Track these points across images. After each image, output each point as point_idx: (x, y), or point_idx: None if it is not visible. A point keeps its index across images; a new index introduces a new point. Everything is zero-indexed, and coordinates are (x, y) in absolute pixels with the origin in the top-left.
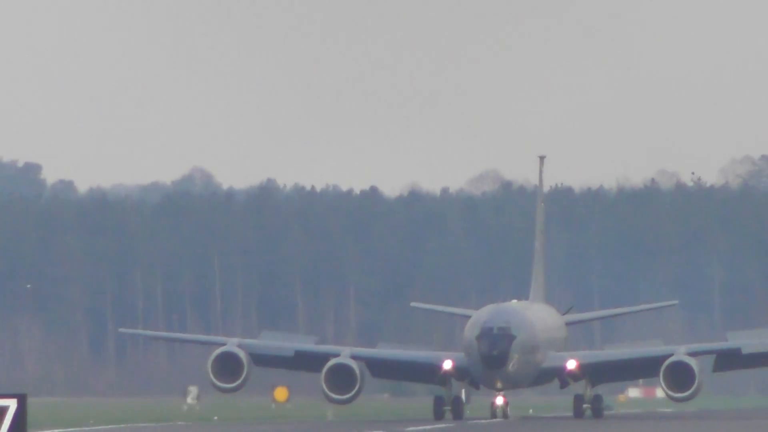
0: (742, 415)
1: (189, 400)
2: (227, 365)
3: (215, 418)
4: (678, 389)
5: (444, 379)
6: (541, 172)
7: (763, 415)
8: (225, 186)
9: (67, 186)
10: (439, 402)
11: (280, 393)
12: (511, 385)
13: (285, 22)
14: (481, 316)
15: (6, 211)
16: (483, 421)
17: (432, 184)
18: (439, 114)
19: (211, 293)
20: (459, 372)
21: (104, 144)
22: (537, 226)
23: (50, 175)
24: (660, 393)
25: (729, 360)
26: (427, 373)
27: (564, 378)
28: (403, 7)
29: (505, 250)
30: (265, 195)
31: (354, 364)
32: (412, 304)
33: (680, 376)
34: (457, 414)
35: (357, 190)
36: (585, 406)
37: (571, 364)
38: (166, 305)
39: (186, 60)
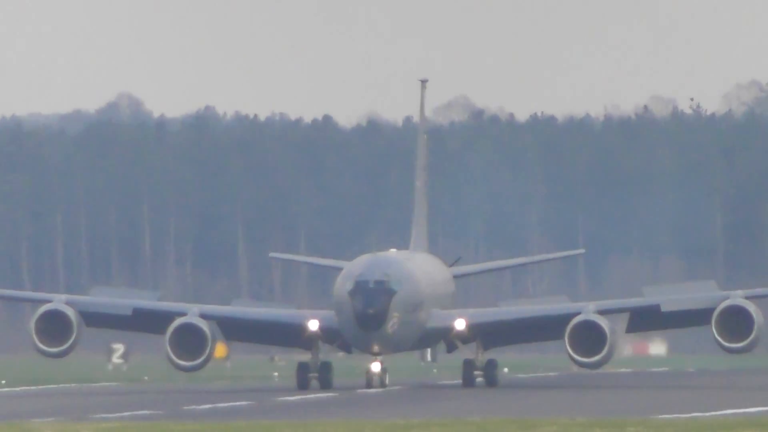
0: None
1: (114, 359)
2: (53, 326)
3: (145, 378)
4: (586, 353)
5: (309, 341)
6: (422, 97)
7: None
8: (156, 114)
9: None
10: (303, 369)
11: (219, 350)
12: (390, 348)
13: None
14: (354, 267)
15: None
16: (357, 390)
17: (393, 112)
18: (396, 29)
19: (140, 237)
20: (327, 334)
21: (19, 68)
22: (418, 162)
23: None
24: (655, 349)
25: (646, 319)
26: (290, 334)
27: (451, 340)
28: None
29: (477, 188)
30: (202, 124)
31: (204, 325)
32: (271, 254)
33: (589, 338)
34: (325, 383)
35: (308, 119)
36: (476, 373)
37: (460, 324)
38: (90, 251)
39: None
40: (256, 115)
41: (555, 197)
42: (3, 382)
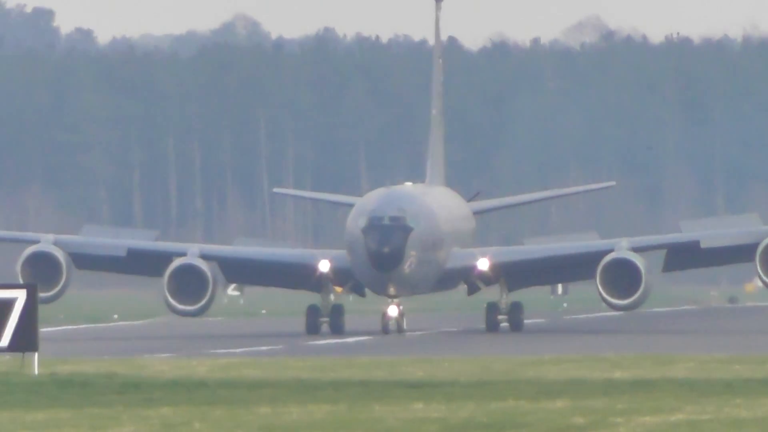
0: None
1: (230, 291)
2: (41, 268)
3: (263, 311)
4: (619, 294)
5: (320, 284)
6: (437, 19)
7: None
8: (273, 36)
9: (85, 36)
10: (313, 313)
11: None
12: (408, 291)
13: None
14: (367, 203)
15: (12, 66)
16: (371, 337)
17: (521, 33)
18: None
19: (257, 163)
20: (339, 275)
21: None
22: (434, 89)
23: (65, 23)
24: None
25: (684, 256)
26: (299, 276)
27: (473, 281)
28: None
29: (608, 113)
30: (322, 46)
31: (205, 266)
32: (275, 189)
33: (622, 277)
34: (337, 328)
35: (431, 41)
36: (500, 317)
37: (483, 264)
38: (204, 178)
39: None
40: (377, 37)
41: (691, 122)
42: (116, 316)
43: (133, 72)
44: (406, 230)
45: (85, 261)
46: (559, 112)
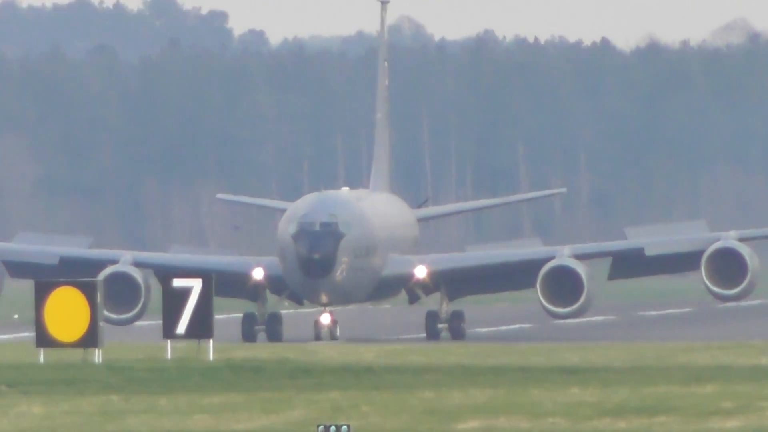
0: None
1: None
2: None
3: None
4: (561, 303)
5: (256, 291)
6: (383, 20)
7: None
8: (437, 38)
9: (257, 37)
10: (249, 320)
11: None
12: (341, 299)
13: None
14: (299, 208)
15: (188, 66)
16: (307, 344)
17: (671, 35)
18: None
19: (420, 158)
20: (273, 282)
21: None
22: (378, 93)
23: (238, 25)
24: None
25: (629, 263)
26: (234, 284)
27: (412, 289)
28: None
29: (755, 111)
30: (482, 47)
31: (137, 273)
32: (218, 195)
33: (563, 285)
34: (274, 335)
35: (587, 42)
36: (441, 326)
37: (420, 271)
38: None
39: None
40: (536, 38)
41: None
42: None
43: (303, 71)
44: (338, 236)
45: (18, 269)
46: (708, 111)
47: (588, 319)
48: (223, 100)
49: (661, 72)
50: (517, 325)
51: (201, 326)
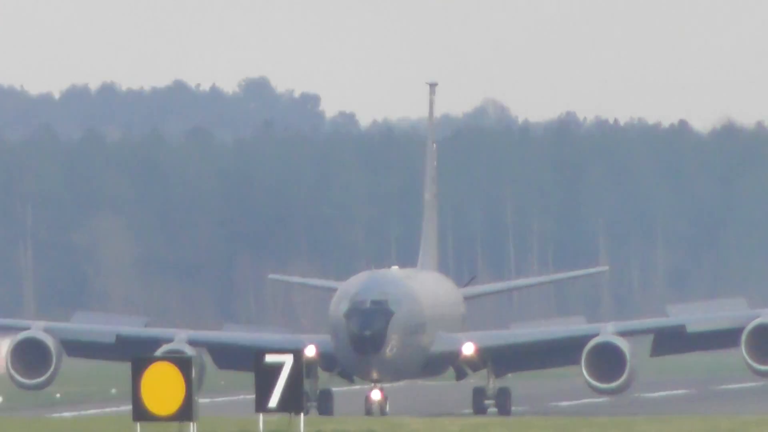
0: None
1: None
2: (31, 355)
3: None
4: (605, 378)
5: (307, 369)
6: (431, 102)
7: None
8: (520, 119)
9: (347, 119)
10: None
11: None
12: (391, 375)
13: None
14: (350, 287)
15: (281, 147)
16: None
17: (747, 116)
18: (751, 39)
19: (503, 234)
20: (325, 360)
21: (387, 74)
22: (427, 174)
23: (329, 107)
24: None
25: (671, 340)
26: None
27: (459, 366)
28: None
29: None
30: (564, 129)
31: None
32: (270, 276)
33: (608, 362)
34: (325, 411)
35: (665, 124)
36: (488, 402)
37: (468, 348)
38: (455, 248)
39: None
40: (615, 120)
41: None
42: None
43: (391, 152)
44: (388, 314)
45: (75, 347)
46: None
47: (666, 393)
48: (314, 180)
49: (737, 152)
50: (588, 400)
51: (292, 400)
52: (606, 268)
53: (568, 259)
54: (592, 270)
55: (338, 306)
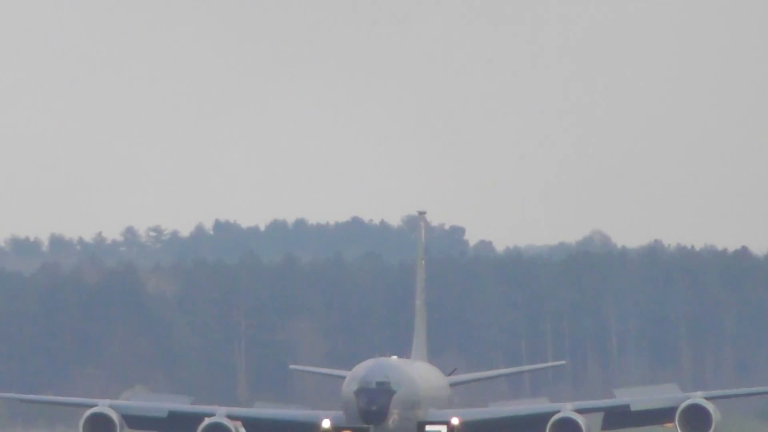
0: None
1: None
2: (99, 428)
3: None
4: None
5: None
6: (421, 228)
7: None
8: (619, 245)
9: (487, 246)
10: None
11: None
12: None
13: None
14: (359, 371)
15: (435, 267)
16: None
17: None
18: None
19: (607, 336)
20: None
21: (521, 206)
22: (417, 284)
23: (472, 236)
24: None
25: (618, 417)
26: None
27: None
28: None
29: None
30: (653, 254)
31: (230, 425)
32: (291, 366)
33: None
34: None
35: (730, 249)
36: None
37: (454, 421)
38: (570, 345)
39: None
40: (692, 246)
41: None
42: None
43: (521, 272)
44: (390, 392)
45: (134, 421)
46: None
47: None
48: (461, 293)
49: None
50: None
51: None
52: (563, 361)
53: (655, 353)
54: (552, 363)
55: (349, 386)
